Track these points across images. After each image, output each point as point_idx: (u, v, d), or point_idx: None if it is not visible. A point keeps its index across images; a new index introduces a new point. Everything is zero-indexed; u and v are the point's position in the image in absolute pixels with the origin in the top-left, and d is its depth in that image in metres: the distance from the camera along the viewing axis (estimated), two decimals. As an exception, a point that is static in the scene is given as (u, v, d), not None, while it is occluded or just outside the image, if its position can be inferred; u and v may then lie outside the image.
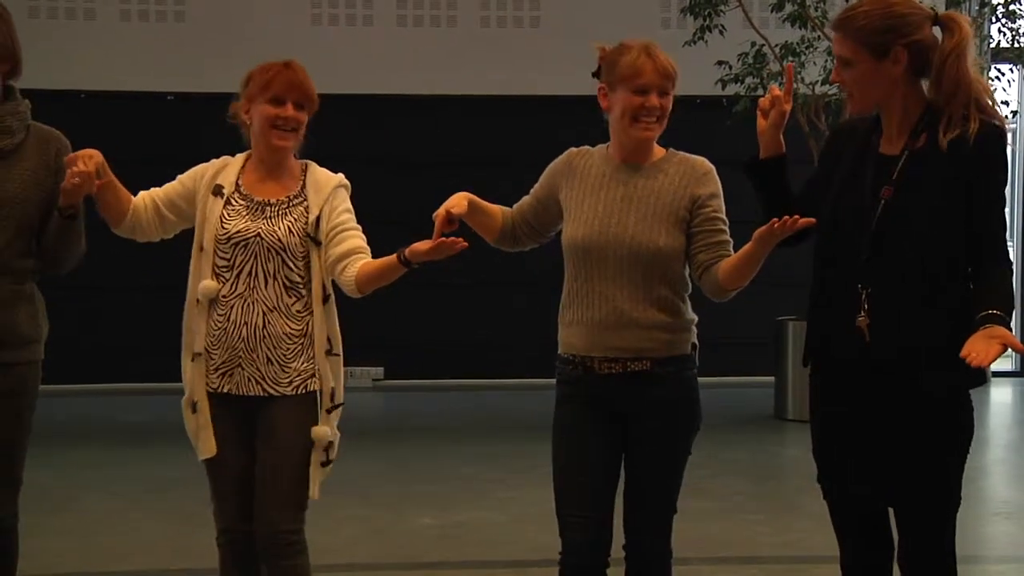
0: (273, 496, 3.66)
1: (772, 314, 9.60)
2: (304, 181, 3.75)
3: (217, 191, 3.70)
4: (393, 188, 9.91)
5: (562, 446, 3.61)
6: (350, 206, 3.76)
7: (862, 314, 3.19)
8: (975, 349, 2.95)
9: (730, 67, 9.23)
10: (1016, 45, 9.48)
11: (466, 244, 3.46)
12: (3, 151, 3.72)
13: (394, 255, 3.56)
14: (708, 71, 9.26)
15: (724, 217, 3.58)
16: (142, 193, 3.76)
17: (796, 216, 3.18)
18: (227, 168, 3.75)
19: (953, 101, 3.17)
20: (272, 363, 3.64)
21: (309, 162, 3.81)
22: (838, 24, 3.23)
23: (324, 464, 3.69)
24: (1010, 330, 3.06)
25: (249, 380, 3.64)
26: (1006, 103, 9.75)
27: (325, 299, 3.69)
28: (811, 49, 9.08)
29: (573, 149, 3.72)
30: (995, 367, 11.48)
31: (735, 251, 3.46)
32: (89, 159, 3.49)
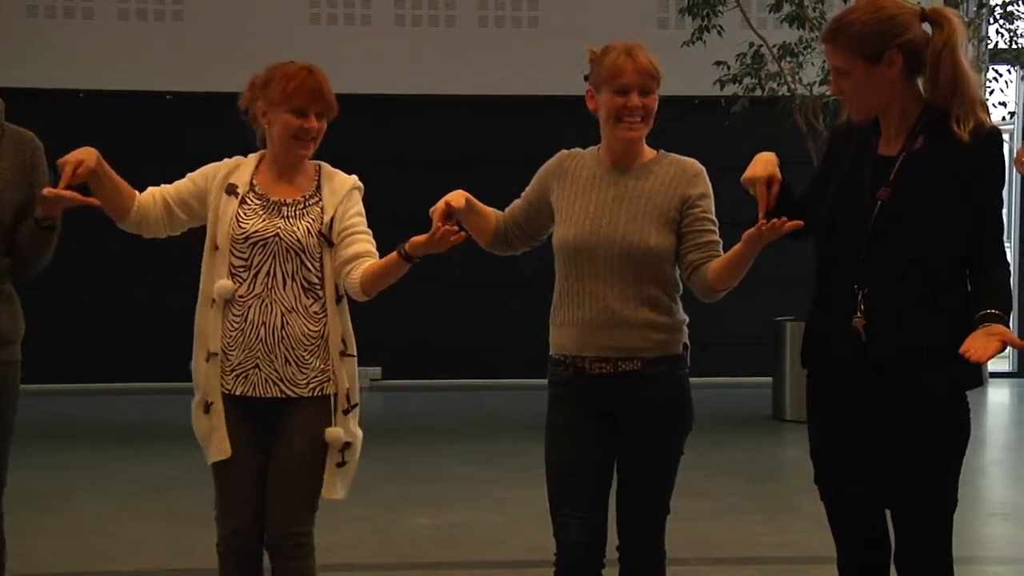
0: (286, 497, 3.65)
1: (770, 315, 9.61)
2: (319, 182, 3.74)
3: (231, 190, 3.68)
4: (391, 188, 9.89)
5: (555, 447, 3.62)
6: (362, 209, 3.75)
7: (858, 314, 3.19)
8: (974, 345, 2.96)
9: (728, 68, 9.24)
10: (1014, 46, 9.50)
11: (464, 235, 3.47)
12: None
13: (395, 252, 3.56)
14: (706, 72, 9.27)
15: (714, 218, 3.58)
16: (151, 189, 3.73)
17: (784, 219, 3.18)
18: (240, 168, 3.74)
19: (954, 97, 3.16)
20: (290, 364, 3.62)
21: (322, 163, 3.80)
22: (829, 36, 3.21)
23: (340, 465, 3.68)
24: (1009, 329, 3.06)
25: (266, 381, 3.62)
26: (1004, 104, 9.76)
27: (339, 300, 3.69)
28: (809, 49, 9.08)
29: (564, 151, 3.72)
30: (992, 367, 11.49)
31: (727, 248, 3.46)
32: (78, 167, 3.44)
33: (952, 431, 3.22)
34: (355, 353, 3.73)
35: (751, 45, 9.19)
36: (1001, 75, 9.70)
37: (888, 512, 3.32)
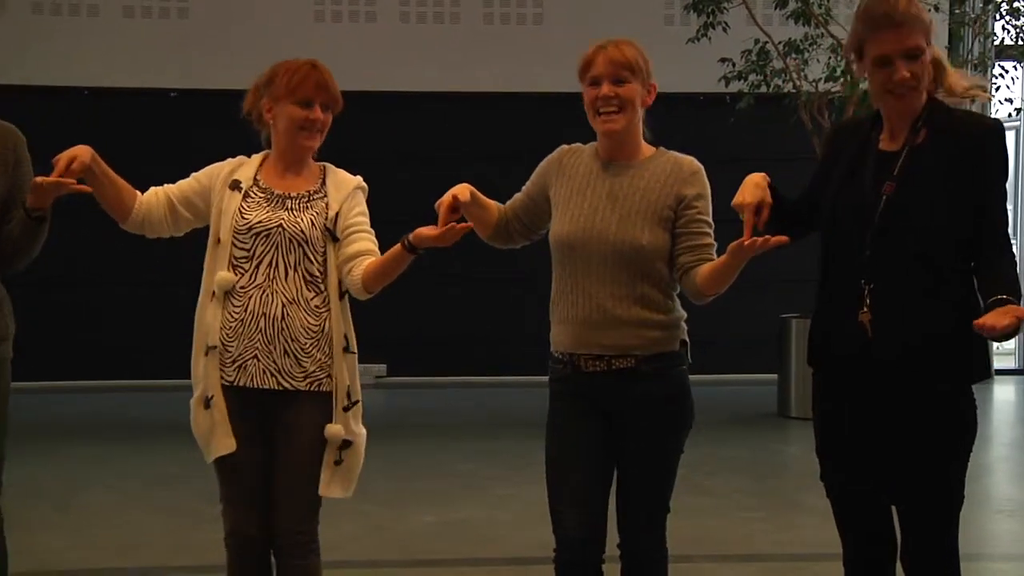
0: (289, 497, 3.64)
1: (776, 312, 9.60)
2: (324, 179, 3.74)
3: (235, 185, 3.68)
4: (397, 184, 9.90)
5: (553, 443, 3.61)
6: (365, 209, 3.75)
7: (864, 309, 3.19)
8: (989, 319, 2.95)
9: (733, 64, 9.23)
10: (1020, 42, 9.47)
11: (470, 225, 3.47)
12: None
13: (398, 244, 3.55)
14: (711, 68, 9.26)
15: (709, 219, 3.55)
16: (154, 188, 3.73)
17: (767, 237, 3.18)
18: (244, 166, 3.74)
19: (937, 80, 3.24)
20: (288, 356, 3.61)
21: (327, 164, 3.81)
22: (904, 16, 3.15)
23: (337, 463, 3.67)
24: None
25: (264, 372, 3.61)
26: (1010, 100, 9.74)
27: (341, 296, 3.68)
28: (814, 46, 9.07)
29: (564, 146, 3.71)
30: (998, 364, 11.44)
31: (727, 245, 3.44)
32: (72, 162, 3.41)
33: (959, 427, 3.21)
34: (356, 350, 3.71)
35: (756, 42, 9.18)
36: (1007, 71, 9.67)
37: (894, 508, 3.32)
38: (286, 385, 3.62)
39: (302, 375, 3.62)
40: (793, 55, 9.08)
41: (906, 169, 3.19)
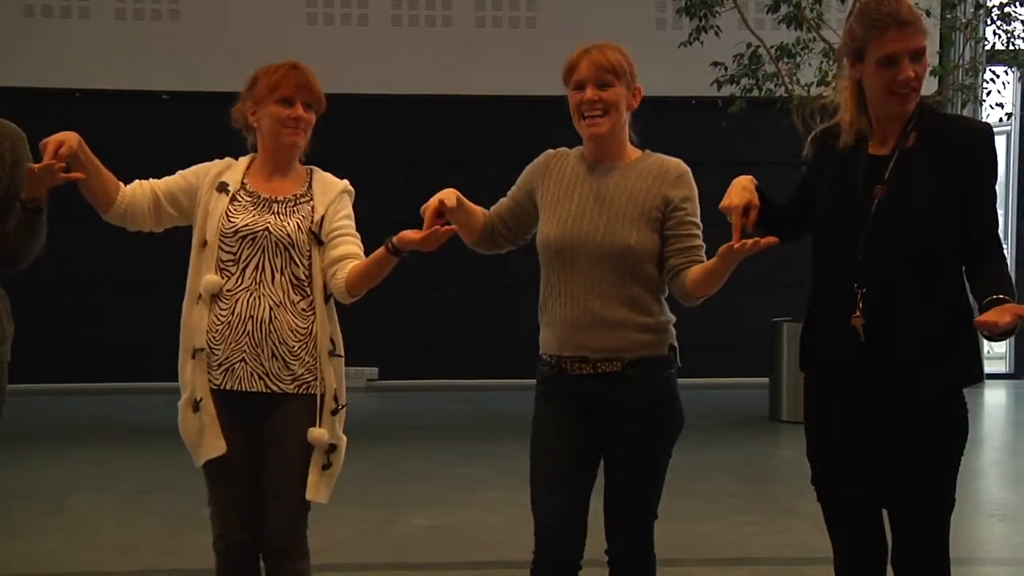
0: (278, 500, 3.63)
1: (767, 315, 9.61)
2: (310, 182, 3.74)
3: (222, 188, 3.68)
4: (388, 187, 9.91)
5: (536, 444, 3.60)
6: (351, 212, 3.75)
7: (857, 313, 3.19)
8: (989, 317, 2.95)
9: (725, 68, 9.24)
10: (1011, 47, 9.50)
11: (454, 228, 3.46)
12: None
13: (382, 247, 3.55)
14: (704, 72, 9.28)
15: (697, 221, 3.55)
16: (140, 181, 3.72)
17: (757, 239, 3.18)
18: (232, 168, 3.74)
19: None
20: (276, 359, 3.60)
21: (314, 167, 3.81)
22: (907, 18, 3.14)
23: (325, 467, 3.66)
24: None
25: (252, 375, 3.60)
26: (1001, 105, 9.77)
27: (327, 299, 3.67)
28: (806, 50, 9.09)
29: (550, 151, 3.71)
30: (989, 369, 11.43)
31: (717, 249, 3.44)
32: (60, 147, 3.40)
33: (950, 432, 3.22)
34: (343, 354, 3.71)
35: (748, 46, 9.19)
36: (998, 76, 9.70)
37: (885, 513, 3.32)
38: (274, 388, 3.61)
39: (290, 378, 3.62)
40: (785, 59, 9.10)
41: (897, 173, 3.20)
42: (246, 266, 3.61)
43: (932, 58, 3.32)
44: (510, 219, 3.72)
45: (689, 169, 3.59)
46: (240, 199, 3.67)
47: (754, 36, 9.17)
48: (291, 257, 3.62)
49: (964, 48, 9.97)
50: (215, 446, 3.63)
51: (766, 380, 9.54)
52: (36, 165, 3.41)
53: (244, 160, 3.77)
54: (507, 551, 5.59)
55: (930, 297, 3.16)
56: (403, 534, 6.01)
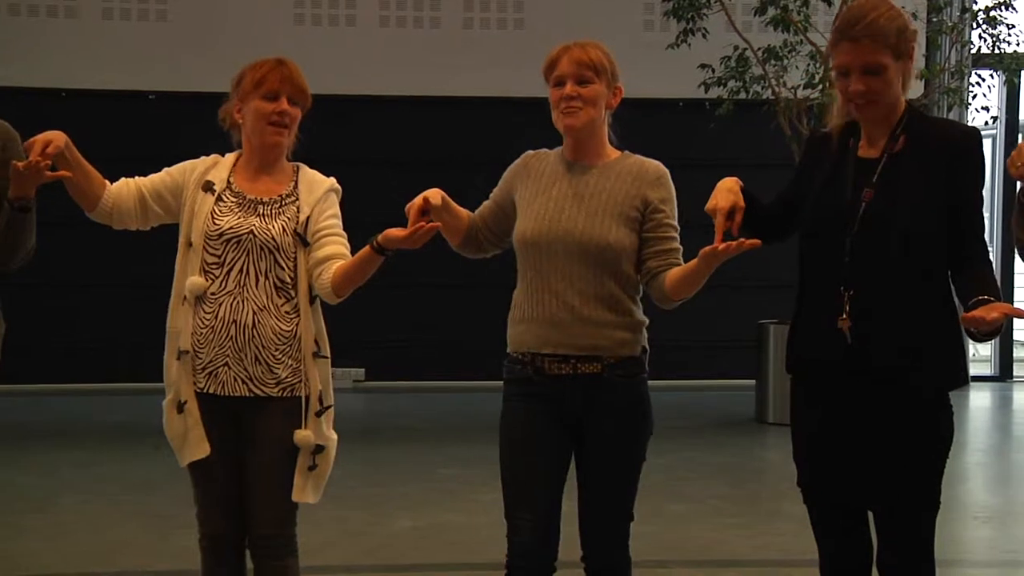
0: (264, 502, 3.63)
1: (754, 317, 9.62)
2: (296, 181, 3.72)
3: (207, 187, 3.65)
4: (376, 188, 9.90)
5: (509, 448, 3.57)
6: (338, 211, 3.73)
7: (844, 316, 3.20)
8: (977, 314, 2.96)
9: (713, 70, 9.25)
10: (997, 51, 9.53)
11: (438, 225, 3.45)
12: None
13: (367, 246, 3.54)
14: (691, 74, 9.29)
15: (675, 223, 3.55)
16: (125, 180, 3.70)
17: (741, 240, 3.19)
18: (217, 166, 3.72)
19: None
20: (260, 363, 3.59)
21: (301, 164, 3.79)
22: (864, 32, 3.15)
23: (311, 468, 3.65)
24: None
25: (235, 380, 3.59)
26: (986, 109, 9.80)
27: (312, 300, 3.66)
28: (793, 53, 9.11)
29: (530, 151, 3.71)
30: (974, 371, 11.46)
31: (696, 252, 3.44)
32: (47, 146, 3.38)
33: (935, 434, 3.23)
34: (328, 355, 3.70)
35: (735, 48, 9.21)
36: (984, 80, 9.72)
37: (871, 514, 3.33)
38: (257, 392, 3.60)
39: (274, 381, 3.61)
40: (772, 62, 9.12)
41: (885, 176, 3.21)
42: (230, 269, 3.60)
43: (919, 61, 3.33)
44: (493, 222, 3.71)
45: (668, 172, 3.60)
46: (225, 199, 3.65)
47: (741, 38, 9.18)
48: (276, 260, 3.61)
49: (950, 52, 10.00)
50: (200, 448, 3.62)
51: (753, 382, 9.55)
52: (21, 163, 3.40)
53: (231, 157, 3.75)
54: (493, 553, 5.56)
55: (917, 300, 3.17)
56: (389, 535, 6.01)
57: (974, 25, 9.73)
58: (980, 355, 12.03)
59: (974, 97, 9.65)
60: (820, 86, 8.86)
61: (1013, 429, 10.12)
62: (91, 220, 3.72)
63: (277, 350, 3.60)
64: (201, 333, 3.60)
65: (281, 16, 10.54)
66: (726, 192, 3.32)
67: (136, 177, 3.73)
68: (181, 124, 9.14)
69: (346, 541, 5.87)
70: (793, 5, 8.99)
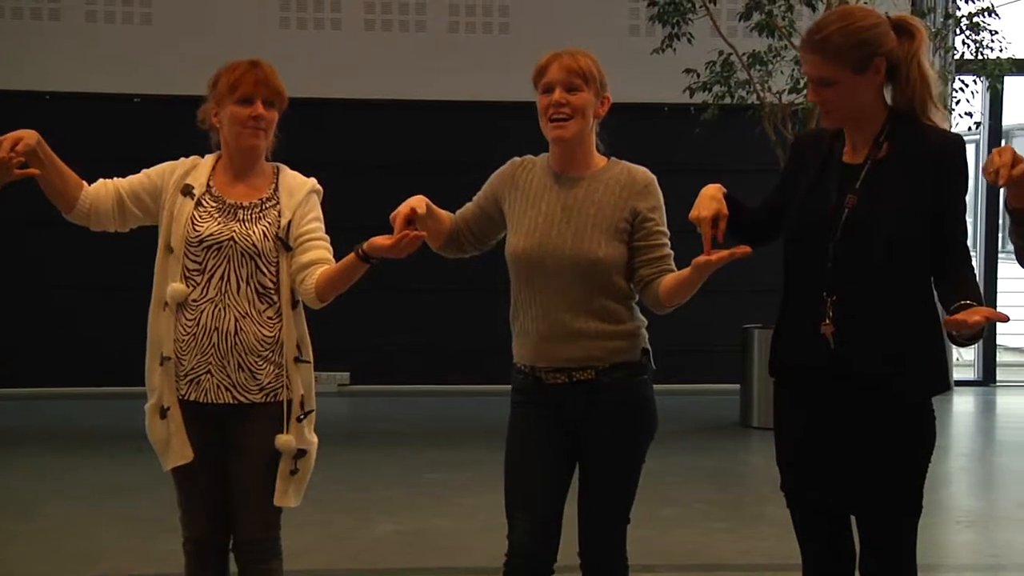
0: (247, 506, 3.63)
1: (738, 322, 9.64)
2: (276, 184, 3.70)
3: (187, 191, 3.63)
4: (360, 192, 9.89)
5: (511, 450, 3.61)
6: (320, 214, 3.72)
7: (827, 321, 3.21)
8: (958, 318, 2.97)
9: (698, 75, 9.27)
10: (980, 57, 9.56)
11: (424, 234, 3.45)
12: None
13: (352, 253, 3.53)
14: (676, 79, 9.30)
15: (665, 230, 3.57)
16: (103, 181, 3.68)
17: (732, 250, 3.20)
18: (197, 169, 3.69)
19: (916, 97, 3.23)
20: (243, 370, 3.58)
21: (281, 165, 3.77)
22: (813, 47, 3.19)
23: (293, 472, 3.65)
24: None
25: (218, 387, 3.58)
26: (970, 114, 9.83)
27: (294, 305, 3.65)
28: (778, 58, 9.13)
29: (516, 159, 3.71)
30: (957, 376, 11.47)
31: (688, 256, 3.45)
32: (16, 143, 3.35)
33: (918, 438, 3.24)
34: (311, 359, 3.70)
35: (721, 53, 9.22)
36: (967, 85, 9.75)
37: (853, 519, 3.34)
38: (241, 399, 3.60)
39: (257, 388, 3.60)
40: (757, 67, 9.14)
41: (868, 182, 3.22)
42: (212, 276, 3.58)
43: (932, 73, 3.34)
44: (476, 226, 3.71)
45: (655, 178, 3.60)
46: (205, 204, 3.63)
47: (726, 43, 9.20)
48: (257, 266, 3.60)
49: (933, 58, 10.03)
50: (182, 454, 3.62)
51: (737, 386, 9.56)
52: None
53: (210, 159, 3.73)
54: (477, 558, 5.59)
55: (900, 306, 3.18)
56: (372, 539, 6.00)
57: (957, 31, 9.76)
58: (964, 360, 12.06)
59: (957, 102, 9.68)
60: (805, 91, 8.88)
61: (996, 433, 10.16)
62: (70, 222, 3.70)
63: (260, 356, 3.60)
64: (183, 340, 3.59)
65: (266, 20, 10.52)
66: (709, 200, 3.32)
67: (115, 179, 3.71)
68: (166, 127, 9.11)
69: (330, 545, 5.86)
70: (778, 10, 9.01)
